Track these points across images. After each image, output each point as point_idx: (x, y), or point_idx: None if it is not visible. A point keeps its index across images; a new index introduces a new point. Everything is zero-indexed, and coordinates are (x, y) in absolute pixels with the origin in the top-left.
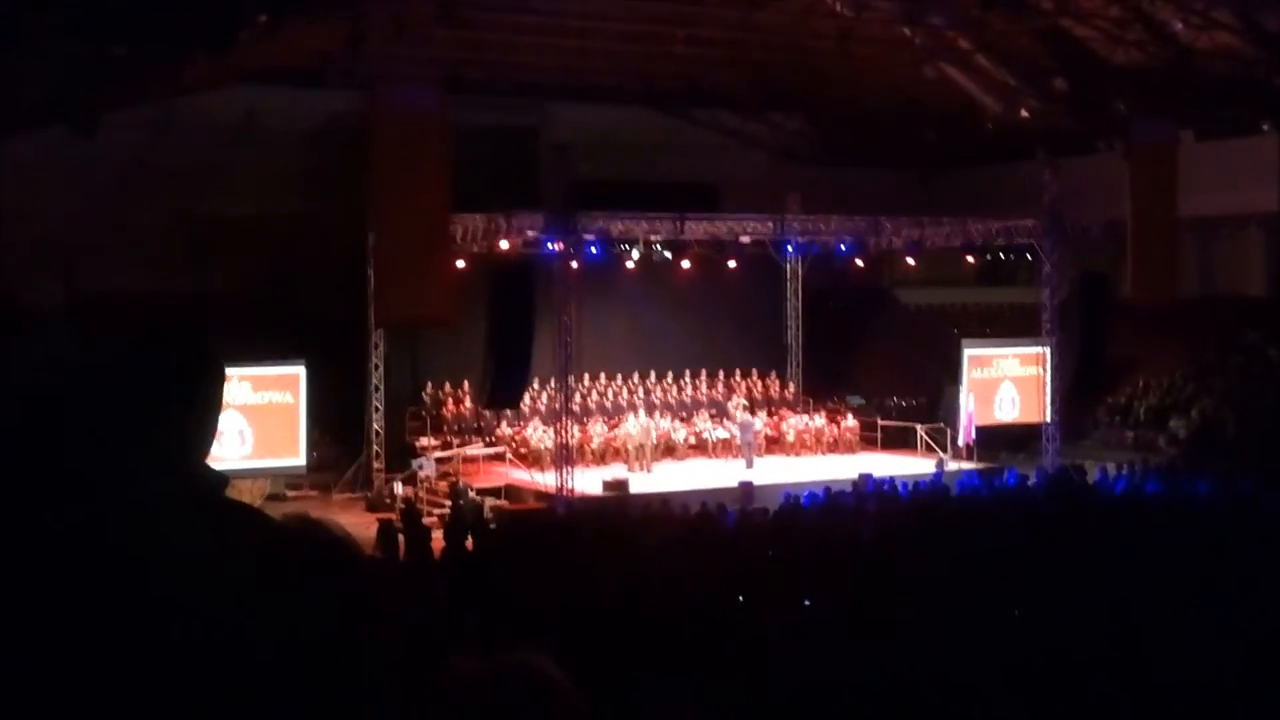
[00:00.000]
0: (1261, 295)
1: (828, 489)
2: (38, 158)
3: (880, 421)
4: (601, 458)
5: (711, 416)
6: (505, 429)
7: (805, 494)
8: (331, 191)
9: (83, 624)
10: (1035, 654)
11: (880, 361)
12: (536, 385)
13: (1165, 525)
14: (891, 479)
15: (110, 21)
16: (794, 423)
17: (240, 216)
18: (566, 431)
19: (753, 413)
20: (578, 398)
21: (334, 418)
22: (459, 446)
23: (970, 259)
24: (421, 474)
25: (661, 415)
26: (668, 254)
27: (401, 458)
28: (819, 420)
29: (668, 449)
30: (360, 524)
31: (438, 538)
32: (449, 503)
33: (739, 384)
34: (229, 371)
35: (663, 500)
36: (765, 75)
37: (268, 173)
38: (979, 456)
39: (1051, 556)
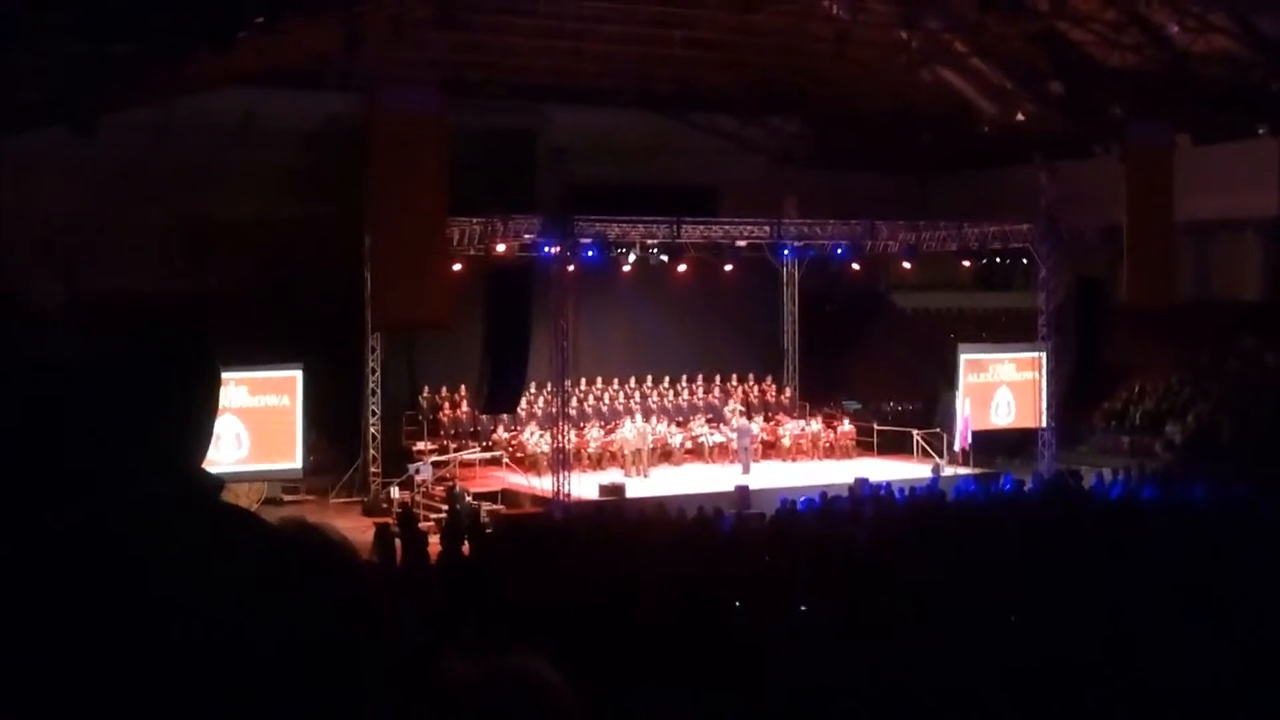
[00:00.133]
0: (1258, 300)
1: (824, 494)
2: (37, 158)
3: (876, 426)
4: (598, 462)
5: (708, 421)
6: (502, 433)
7: (802, 499)
8: (329, 194)
9: (78, 626)
10: (1031, 659)
11: (877, 366)
12: (533, 389)
13: (1161, 531)
14: (888, 484)
15: (110, 22)
16: (790, 427)
17: (238, 218)
18: (563, 436)
19: (749, 417)
20: (574, 402)
21: (331, 421)
22: (456, 451)
23: (966, 263)
24: (418, 478)
25: (658, 420)
26: (664, 257)
27: (398, 462)
28: (815, 425)
29: (664, 453)
30: (357, 528)
31: (434, 542)
32: (446, 507)
33: (735, 388)
34: (226, 375)
35: (659, 505)
36: (762, 78)
37: (266, 174)
38: (975, 462)
39: (1048, 562)
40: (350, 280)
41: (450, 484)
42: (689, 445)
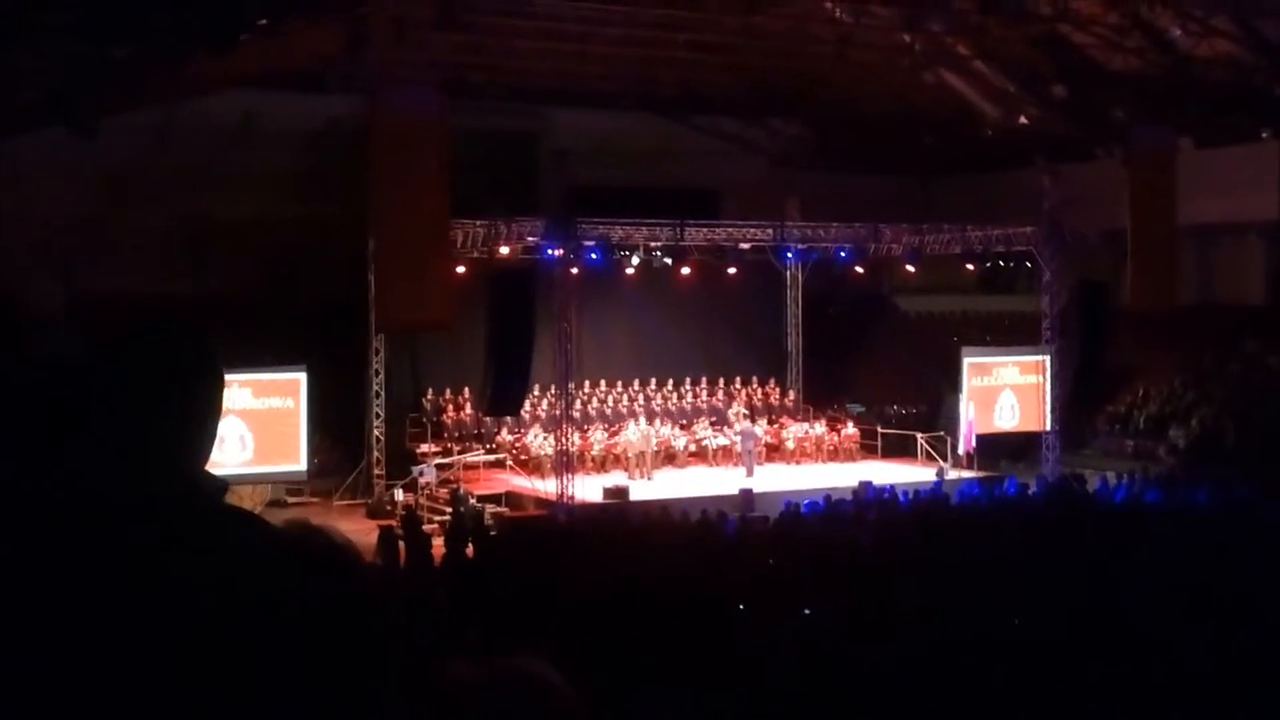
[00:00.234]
0: (1261, 303)
1: (828, 497)
2: (38, 159)
3: (880, 429)
4: (602, 465)
5: (712, 424)
6: (506, 436)
7: (805, 502)
8: (331, 195)
9: (81, 627)
10: (1035, 662)
11: (880, 369)
12: (537, 392)
13: (1165, 534)
14: (892, 487)
15: (111, 23)
16: (794, 430)
17: (239, 220)
18: (567, 438)
19: (753, 420)
20: (578, 404)
21: (335, 424)
22: (459, 453)
23: (970, 266)
24: (422, 480)
25: (662, 422)
26: (668, 260)
27: (402, 464)
28: (819, 428)
29: (668, 456)
30: (361, 530)
31: (438, 544)
32: (449, 509)
33: (739, 391)
34: (230, 377)
35: (663, 508)
36: (765, 81)
37: (267, 176)
38: (979, 465)
39: (1051, 565)
40: (352, 282)
41: (454, 486)
42: (693, 448)
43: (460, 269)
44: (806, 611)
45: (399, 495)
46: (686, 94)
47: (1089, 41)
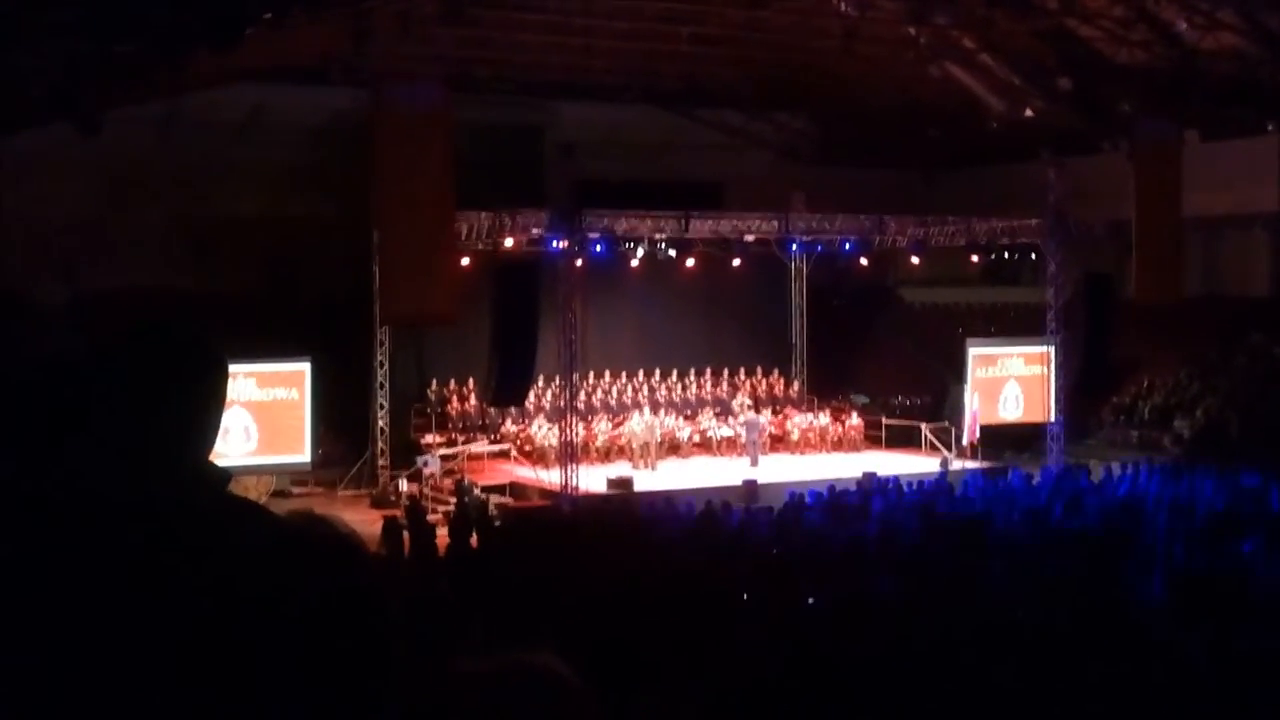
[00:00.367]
0: (1265, 295)
1: (832, 487)
2: (40, 156)
3: (885, 420)
4: (606, 455)
5: (716, 414)
6: (510, 426)
7: (809, 492)
8: (336, 189)
9: (85, 620)
10: (1039, 653)
11: (885, 360)
12: (541, 383)
13: (1169, 525)
14: (896, 478)
15: (114, 18)
16: (799, 421)
17: (244, 214)
18: (571, 429)
19: (757, 411)
20: (582, 395)
21: (339, 414)
22: (464, 444)
23: (974, 258)
24: (426, 471)
25: (666, 413)
26: (672, 252)
27: (406, 455)
28: (824, 419)
29: (672, 447)
30: (365, 521)
31: (442, 535)
32: (454, 500)
33: (744, 382)
34: (234, 368)
35: (667, 498)
36: (770, 74)
37: (272, 171)
38: (983, 455)
39: (1054, 556)
40: (357, 275)
41: (458, 477)
42: (697, 439)
43: (465, 261)
44: (810, 601)
45: (403, 486)
46: (691, 87)
47: (1094, 34)
